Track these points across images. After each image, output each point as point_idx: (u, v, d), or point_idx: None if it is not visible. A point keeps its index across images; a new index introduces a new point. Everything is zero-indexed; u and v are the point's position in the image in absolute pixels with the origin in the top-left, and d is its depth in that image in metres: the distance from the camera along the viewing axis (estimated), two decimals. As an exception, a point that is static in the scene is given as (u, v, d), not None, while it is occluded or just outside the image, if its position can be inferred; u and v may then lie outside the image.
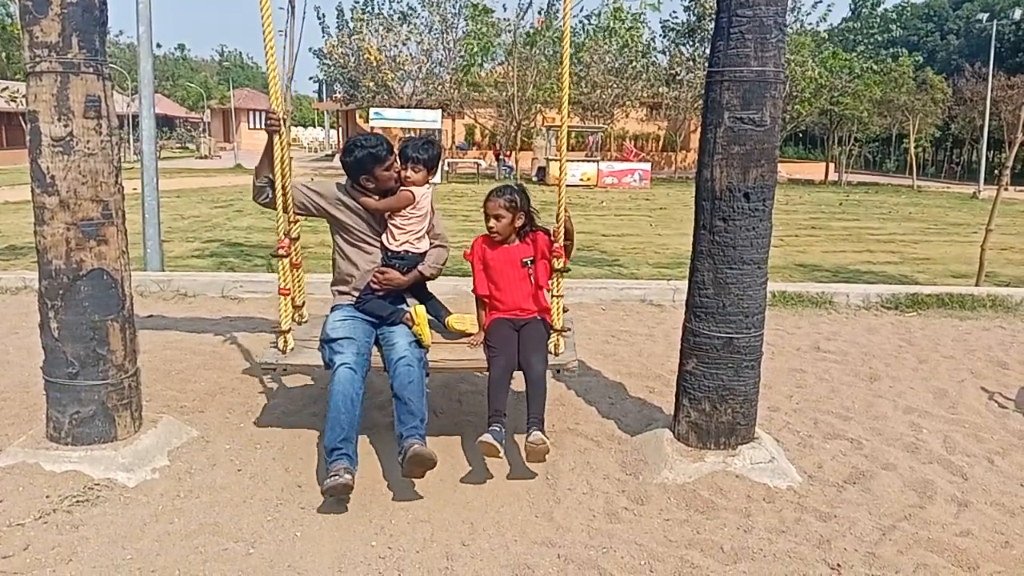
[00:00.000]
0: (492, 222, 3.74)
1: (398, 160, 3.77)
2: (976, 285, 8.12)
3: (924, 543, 3.02)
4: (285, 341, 3.76)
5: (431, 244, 3.93)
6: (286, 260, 3.76)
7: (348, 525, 3.09)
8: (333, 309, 3.87)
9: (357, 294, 3.83)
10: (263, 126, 3.70)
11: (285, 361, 3.73)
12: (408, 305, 3.86)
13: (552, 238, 3.72)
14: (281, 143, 3.64)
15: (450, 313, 4.01)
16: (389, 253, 3.80)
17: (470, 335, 3.88)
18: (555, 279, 3.74)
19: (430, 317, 3.82)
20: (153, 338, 5.66)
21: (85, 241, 3.40)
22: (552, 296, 3.76)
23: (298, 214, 3.83)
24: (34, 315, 3.57)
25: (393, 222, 3.78)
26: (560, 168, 3.87)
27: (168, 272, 8.11)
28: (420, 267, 3.88)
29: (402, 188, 3.75)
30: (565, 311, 3.84)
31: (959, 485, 3.56)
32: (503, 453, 3.39)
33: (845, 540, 3.04)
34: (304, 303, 4.18)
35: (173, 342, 5.67)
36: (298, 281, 4.04)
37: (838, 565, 2.86)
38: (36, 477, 3.33)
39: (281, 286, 3.80)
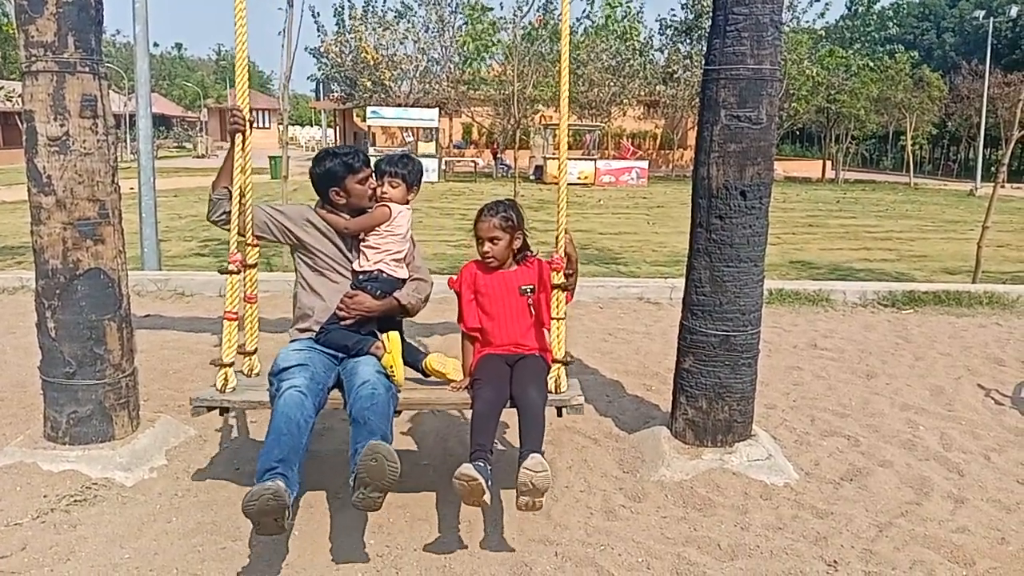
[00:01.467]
0: (487, 246, 3.20)
1: (374, 176, 3.31)
2: (973, 282, 8.14)
3: (920, 539, 3.02)
4: (226, 378, 3.13)
5: (411, 276, 3.37)
6: (236, 278, 3.17)
7: (346, 524, 3.08)
8: (289, 343, 3.27)
9: (319, 327, 3.22)
10: (229, 125, 3.21)
11: (224, 398, 3.11)
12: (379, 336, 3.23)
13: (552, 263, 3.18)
14: (244, 146, 3.20)
15: (427, 355, 3.37)
16: (361, 276, 3.25)
17: (452, 381, 3.26)
18: (556, 298, 3.17)
19: (405, 366, 3.18)
20: (150, 337, 5.66)
21: (82, 240, 3.40)
22: (554, 320, 3.17)
23: (258, 237, 3.28)
24: (31, 315, 3.57)
25: (366, 242, 3.26)
26: (560, 170, 3.22)
27: (165, 271, 8.11)
28: (398, 294, 3.26)
29: (378, 204, 3.30)
30: (568, 361, 3.26)
31: (955, 482, 3.57)
32: (488, 497, 2.67)
33: (842, 537, 3.04)
34: (256, 350, 3.39)
35: (170, 341, 5.67)
36: (251, 321, 3.35)
37: (835, 562, 2.87)
38: (34, 477, 3.33)
39: (228, 309, 3.14)
